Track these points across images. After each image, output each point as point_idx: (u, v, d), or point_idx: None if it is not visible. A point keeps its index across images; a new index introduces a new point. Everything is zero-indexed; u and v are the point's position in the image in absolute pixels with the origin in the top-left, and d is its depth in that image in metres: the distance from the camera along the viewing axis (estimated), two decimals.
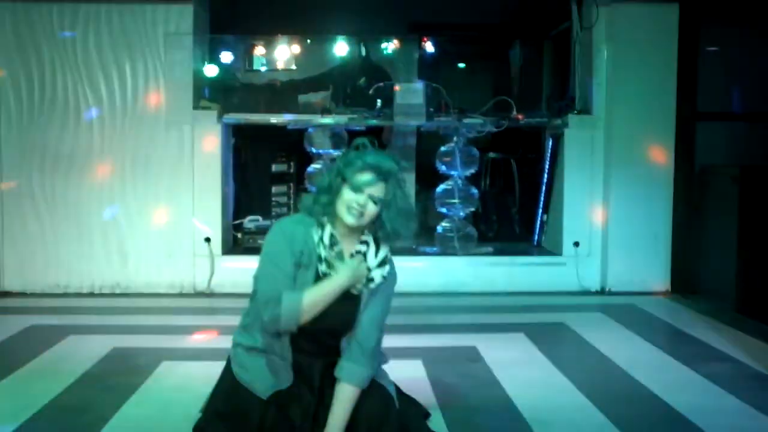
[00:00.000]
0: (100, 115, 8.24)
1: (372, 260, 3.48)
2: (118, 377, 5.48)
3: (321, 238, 3.43)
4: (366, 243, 3.50)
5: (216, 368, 5.48)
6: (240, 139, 9.38)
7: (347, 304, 3.46)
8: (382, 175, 3.37)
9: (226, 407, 3.54)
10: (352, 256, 3.45)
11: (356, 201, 3.35)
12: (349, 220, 3.38)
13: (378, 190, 3.36)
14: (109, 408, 4.84)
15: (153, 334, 6.73)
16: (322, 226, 3.45)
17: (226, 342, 6.28)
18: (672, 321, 7.40)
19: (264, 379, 3.51)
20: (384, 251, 3.53)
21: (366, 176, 3.35)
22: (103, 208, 8.27)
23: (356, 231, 3.47)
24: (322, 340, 3.52)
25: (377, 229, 3.48)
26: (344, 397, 3.45)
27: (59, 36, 8.17)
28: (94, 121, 8.23)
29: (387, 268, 3.54)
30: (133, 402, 5.00)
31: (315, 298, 3.34)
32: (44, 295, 8.17)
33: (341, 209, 3.38)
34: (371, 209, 3.36)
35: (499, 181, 10.48)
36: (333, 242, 3.44)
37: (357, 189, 3.34)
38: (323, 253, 3.41)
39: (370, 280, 3.47)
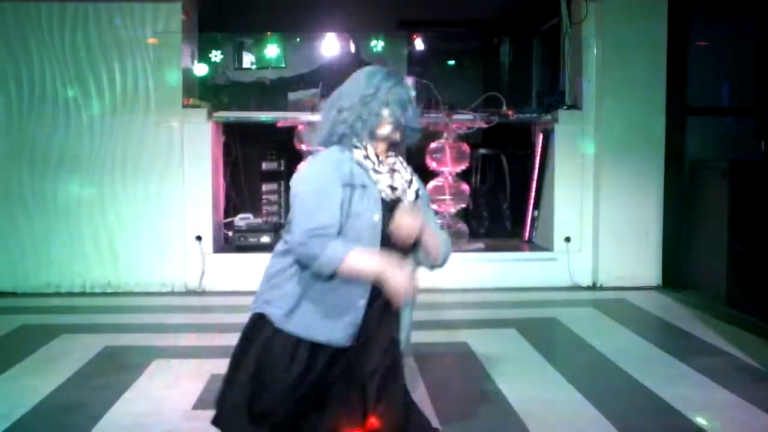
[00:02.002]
0: (89, 114, 8.22)
1: (406, 173, 3.38)
2: (110, 375, 5.48)
3: (366, 157, 3.28)
4: (395, 161, 3.40)
5: (207, 366, 5.53)
6: (230, 137, 9.37)
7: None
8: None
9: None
10: (393, 171, 3.34)
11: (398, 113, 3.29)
12: (396, 134, 3.32)
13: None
14: (101, 406, 4.84)
15: (145, 332, 6.73)
16: (358, 149, 3.31)
17: (217, 340, 6.34)
18: (663, 315, 7.42)
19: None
20: (407, 165, 3.46)
21: (401, 91, 3.32)
22: (94, 206, 8.25)
23: (385, 153, 3.37)
24: (398, 250, 3.27)
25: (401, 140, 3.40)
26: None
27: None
28: (84, 119, 8.21)
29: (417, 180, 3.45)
30: (124, 400, 5.00)
31: (357, 263, 3.12)
32: (36, 294, 8.15)
33: (384, 129, 3.29)
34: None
35: (490, 178, 10.49)
36: (381, 161, 3.33)
37: (398, 104, 3.29)
38: (378, 167, 3.28)
39: (417, 194, 3.37)
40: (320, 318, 3.23)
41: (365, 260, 3.14)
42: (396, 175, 3.34)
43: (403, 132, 3.34)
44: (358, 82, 3.34)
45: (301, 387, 3.24)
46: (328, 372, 3.27)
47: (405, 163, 3.43)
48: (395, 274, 3.12)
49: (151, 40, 8.22)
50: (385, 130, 3.29)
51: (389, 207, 3.23)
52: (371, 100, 3.27)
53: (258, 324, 3.32)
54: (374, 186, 3.24)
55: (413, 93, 3.39)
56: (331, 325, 3.23)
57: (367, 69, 3.41)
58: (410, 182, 3.37)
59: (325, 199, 3.14)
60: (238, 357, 3.34)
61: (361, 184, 3.20)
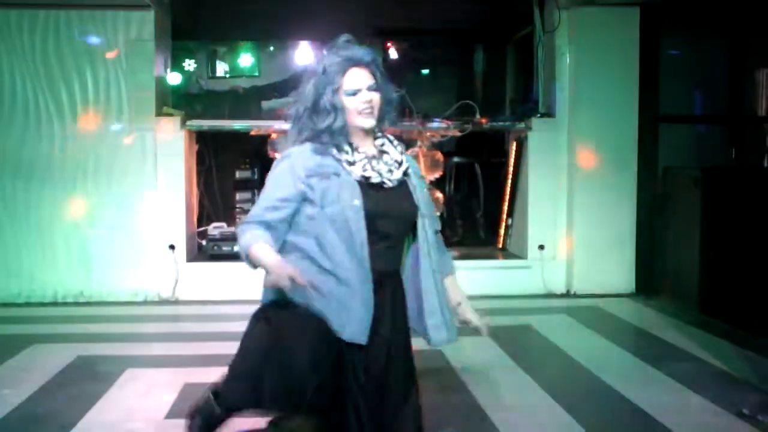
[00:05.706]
0: (61, 122, 8.16)
1: (396, 153, 3.25)
2: (83, 385, 5.43)
3: (340, 150, 3.15)
4: (383, 142, 3.26)
5: (181, 375, 5.50)
6: (203, 145, 9.33)
7: (402, 196, 3.22)
8: (365, 63, 3.15)
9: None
10: (374, 158, 3.18)
11: (362, 100, 3.11)
12: (368, 123, 3.15)
13: (370, 78, 3.14)
14: (72, 416, 4.81)
15: (117, 341, 6.67)
16: (336, 147, 3.16)
17: (190, 349, 6.30)
18: (636, 322, 7.46)
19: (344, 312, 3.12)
20: (398, 143, 3.32)
21: (355, 72, 3.13)
22: (66, 215, 8.18)
23: (369, 135, 3.22)
24: (392, 234, 3.22)
25: (380, 122, 3.23)
26: (453, 282, 3.60)
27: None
28: (56, 127, 8.15)
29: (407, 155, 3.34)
30: (97, 409, 4.96)
31: (257, 255, 3.03)
32: (6, 304, 8.06)
33: (354, 119, 3.13)
34: (377, 100, 3.13)
35: (464, 186, 10.49)
36: (355, 149, 3.17)
37: (356, 90, 3.11)
38: (351, 157, 3.14)
39: (406, 173, 3.24)
40: (334, 307, 3.09)
41: (264, 256, 3.02)
42: (384, 157, 3.22)
43: (379, 108, 3.17)
44: (313, 81, 3.20)
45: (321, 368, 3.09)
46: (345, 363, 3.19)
47: (395, 142, 3.31)
48: (281, 277, 2.94)
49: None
50: (359, 121, 3.14)
51: (374, 189, 3.14)
52: (320, 97, 3.14)
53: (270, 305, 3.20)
54: (349, 174, 3.12)
55: (371, 60, 3.15)
56: (343, 318, 3.10)
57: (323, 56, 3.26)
58: (400, 162, 3.24)
59: (270, 191, 3.16)
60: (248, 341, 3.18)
61: (334, 172, 3.12)
